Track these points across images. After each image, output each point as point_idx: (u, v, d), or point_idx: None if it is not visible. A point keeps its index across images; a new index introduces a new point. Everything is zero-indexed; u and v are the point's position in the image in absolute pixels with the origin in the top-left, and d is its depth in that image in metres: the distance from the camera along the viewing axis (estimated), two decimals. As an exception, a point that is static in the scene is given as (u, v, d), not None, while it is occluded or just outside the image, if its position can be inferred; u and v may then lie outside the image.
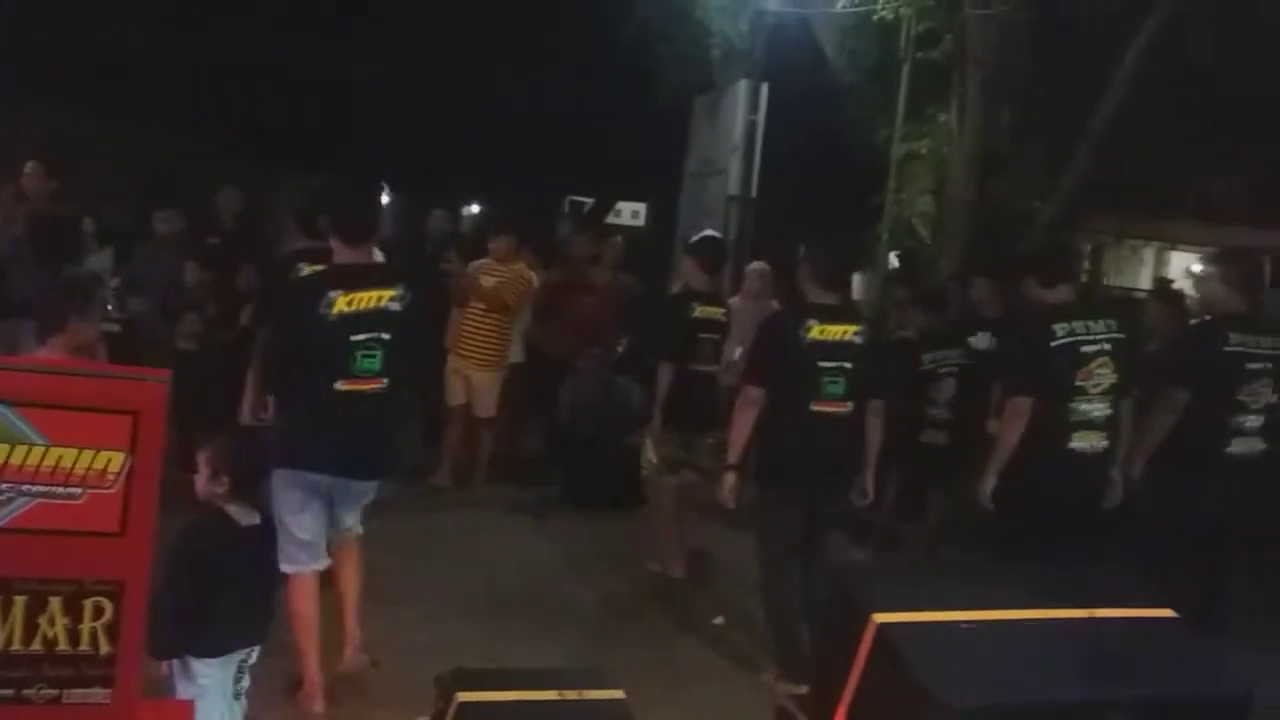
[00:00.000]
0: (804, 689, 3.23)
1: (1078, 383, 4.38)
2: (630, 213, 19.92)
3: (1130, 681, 2.59)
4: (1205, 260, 5.20)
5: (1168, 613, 2.91)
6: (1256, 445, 4.68)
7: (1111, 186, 11.98)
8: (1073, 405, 4.38)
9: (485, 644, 4.50)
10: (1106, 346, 4.44)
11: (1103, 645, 2.68)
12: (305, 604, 3.87)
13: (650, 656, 4.68)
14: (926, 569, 3.45)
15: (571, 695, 2.57)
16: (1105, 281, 16.14)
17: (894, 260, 11.41)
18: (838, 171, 12.73)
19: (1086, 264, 16.15)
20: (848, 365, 4.30)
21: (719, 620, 5.04)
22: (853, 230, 11.62)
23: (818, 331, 4.31)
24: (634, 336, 7.40)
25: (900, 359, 6.15)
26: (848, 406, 4.32)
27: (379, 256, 4.10)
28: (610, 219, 18.67)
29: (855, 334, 4.35)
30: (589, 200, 18.92)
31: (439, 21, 16.50)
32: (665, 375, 5.50)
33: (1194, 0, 9.40)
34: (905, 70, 9.94)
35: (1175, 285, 17.68)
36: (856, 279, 13.49)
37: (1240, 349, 4.67)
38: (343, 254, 3.91)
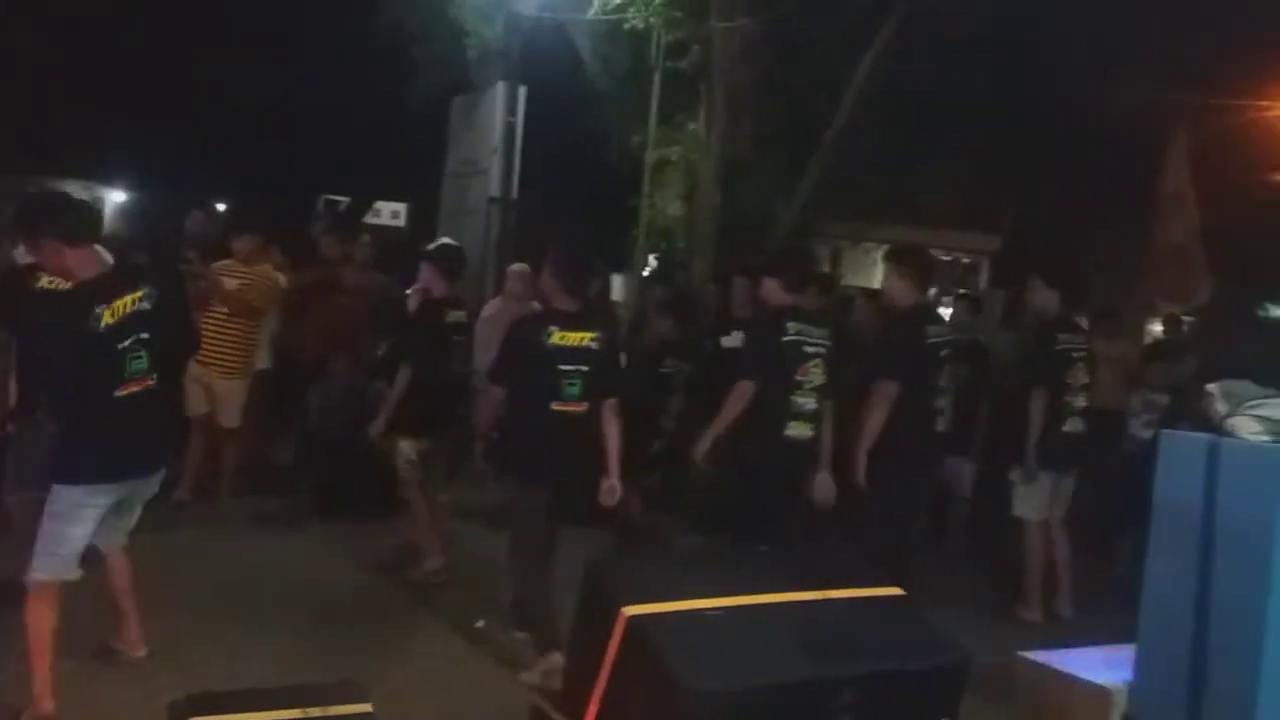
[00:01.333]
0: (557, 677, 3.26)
1: (797, 377, 4.89)
2: (390, 212, 19.42)
3: (859, 658, 2.73)
4: (884, 257, 5.73)
5: (896, 591, 3.09)
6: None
7: (847, 193, 12.71)
8: (791, 398, 4.88)
9: (228, 663, 4.28)
10: (822, 350, 4.97)
11: (834, 625, 2.82)
12: (46, 616, 3.77)
13: (411, 661, 4.60)
14: (672, 560, 3.53)
15: (315, 713, 2.47)
16: (843, 282, 17.11)
17: (652, 262, 11.67)
18: (596, 174, 12.90)
19: (826, 266, 17.06)
20: (585, 369, 4.49)
21: (481, 623, 4.99)
22: (611, 232, 11.81)
23: (559, 338, 4.48)
24: (394, 340, 7.23)
25: (648, 362, 6.49)
26: (584, 406, 4.51)
27: (107, 257, 4.06)
28: (369, 219, 18.15)
29: (593, 340, 4.53)
30: (345, 199, 18.35)
31: (193, 14, 15.64)
32: (403, 378, 5.55)
33: (915, 22, 10.09)
34: (656, 79, 10.17)
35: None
36: (617, 280, 13.70)
37: (934, 340, 5.35)
38: (66, 258, 3.85)
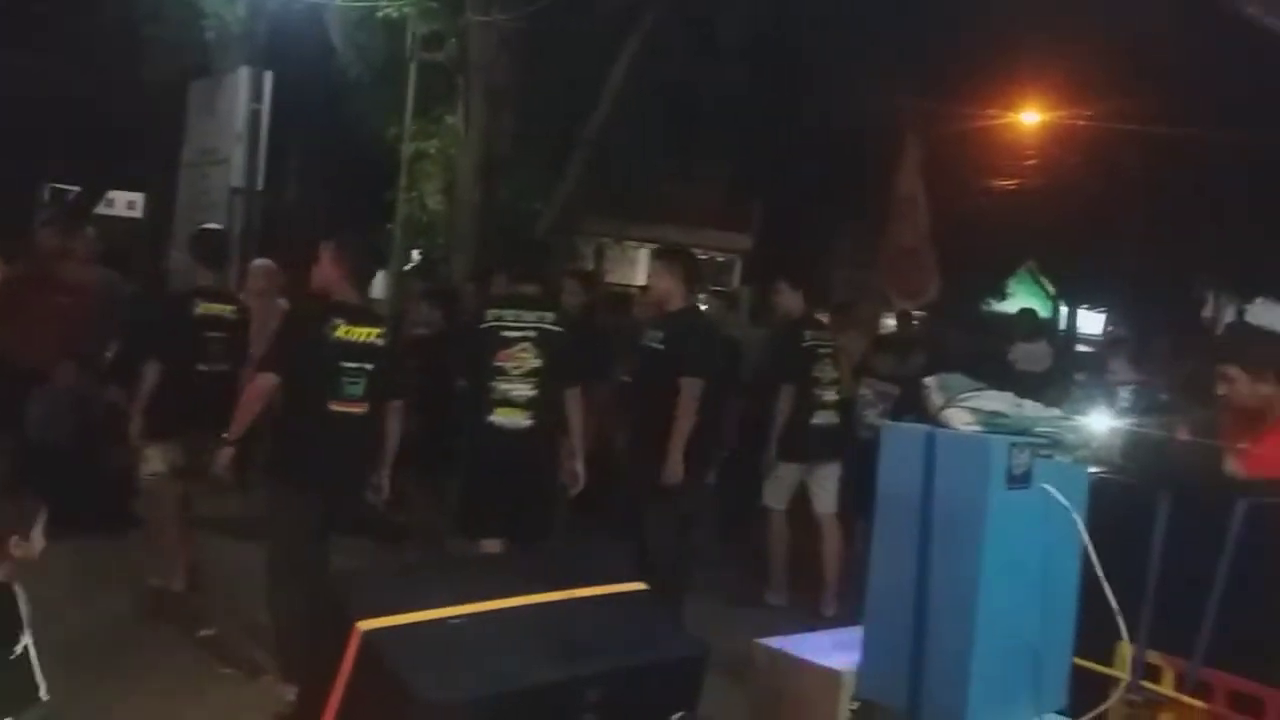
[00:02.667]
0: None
1: (497, 363, 4.84)
2: (126, 203, 18.14)
3: (602, 656, 2.74)
4: (655, 256, 5.91)
5: (638, 586, 3.12)
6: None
7: (609, 192, 12.86)
8: (493, 384, 4.84)
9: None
10: (531, 334, 4.88)
11: (577, 625, 2.82)
12: None
13: (147, 675, 4.30)
14: (413, 568, 3.44)
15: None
16: (607, 279, 17.35)
17: (415, 257, 11.41)
18: (350, 166, 12.48)
19: (590, 263, 17.24)
20: (369, 366, 4.26)
21: (209, 631, 4.74)
22: (367, 227, 11.47)
23: (343, 331, 4.23)
24: (125, 339, 6.72)
25: (417, 356, 6.28)
26: (365, 407, 4.28)
27: None
28: (102, 209, 16.89)
29: (378, 336, 4.32)
30: (74, 189, 16.98)
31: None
32: (150, 375, 5.11)
33: (672, 23, 10.30)
34: (412, 70, 9.94)
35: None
36: (379, 276, 13.31)
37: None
38: None
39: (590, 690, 2.67)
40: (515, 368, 4.83)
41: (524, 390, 4.83)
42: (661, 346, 5.21)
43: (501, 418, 4.81)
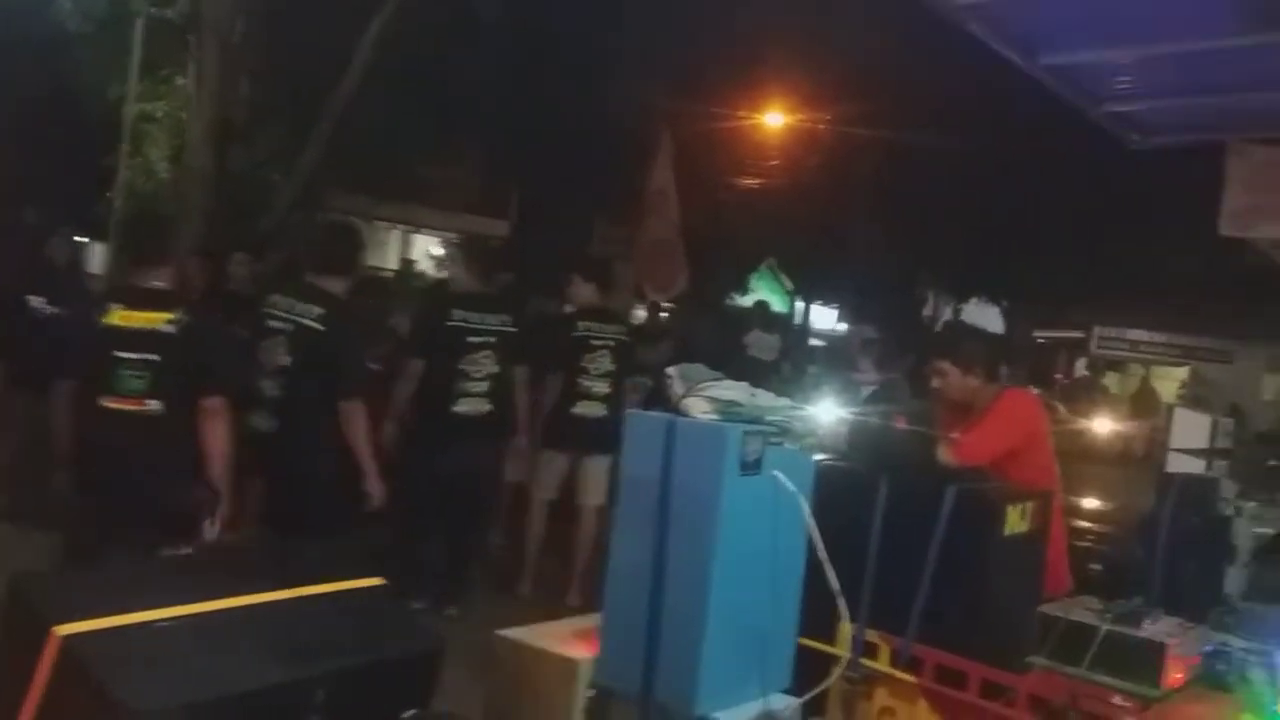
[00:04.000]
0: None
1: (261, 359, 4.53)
2: None
3: (331, 655, 2.63)
4: (447, 245, 5.85)
5: (377, 581, 3.01)
6: (481, 406, 5.48)
7: (359, 169, 12.43)
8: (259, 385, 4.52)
9: None
10: (289, 327, 4.54)
11: (305, 624, 2.69)
12: None
13: None
14: (124, 570, 3.16)
15: None
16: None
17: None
18: (66, 127, 11.51)
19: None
20: (154, 358, 3.80)
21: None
22: (85, 193, 10.60)
23: (119, 317, 3.81)
24: None
25: None
26: (151, 405, 3.81)
27: None
28: None
29: (169, 322, 3.83)
30: None
31: None
32: None
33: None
34: (138, 25, 9.25)
35: (418, 265, 19.06)
36: (97, 249, 12.32)
37: (463, 323, 5.45)
38: None
39: (316, 691, 2.56)
40: (272, 363, 4.51)
41: (274, 390, 4.51)
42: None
43: (257, 423, 4.49)
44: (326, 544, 3.86)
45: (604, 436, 6.03)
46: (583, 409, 6.01)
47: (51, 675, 2.42)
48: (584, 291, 6.22)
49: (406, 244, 21.69)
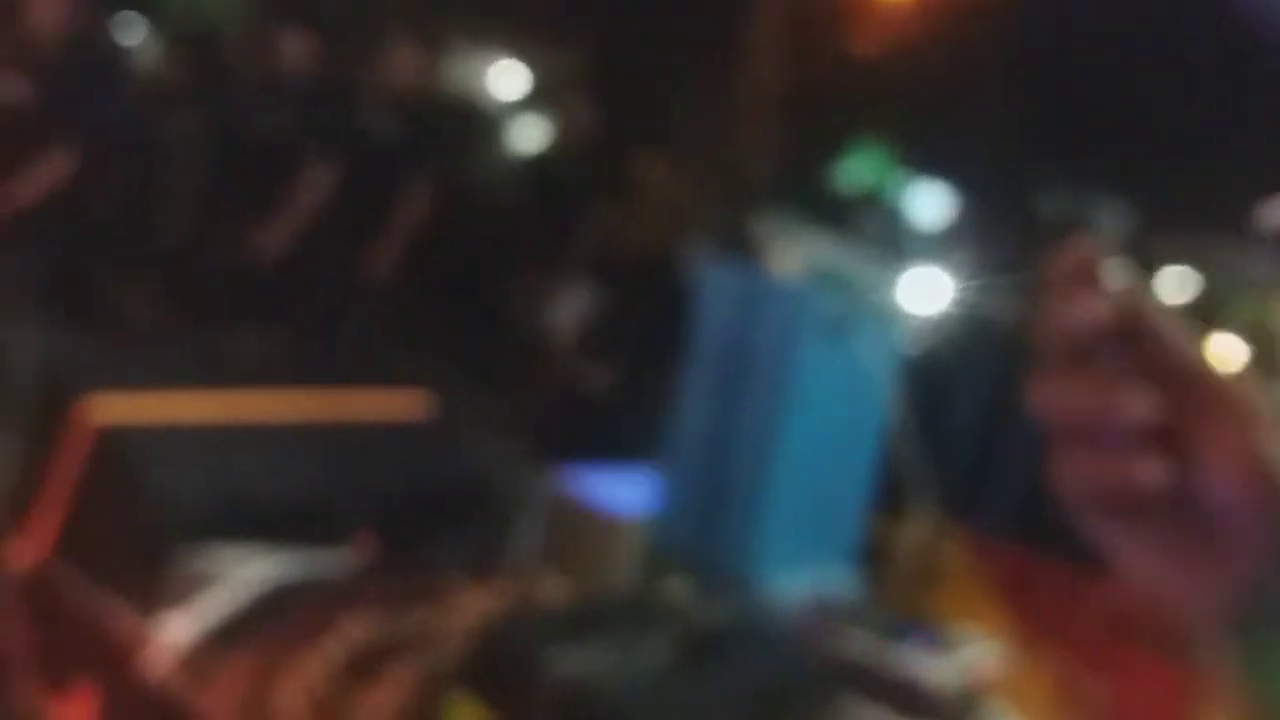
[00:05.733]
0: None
1: None
2: None
3: (379, 478, 2.67)
4: None
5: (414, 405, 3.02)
6: None
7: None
8: None
9: None
10: None
11: (357, 442, 2.72)
12: None
13: None
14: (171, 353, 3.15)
15: None
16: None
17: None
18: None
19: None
20: None
21: None
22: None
23: None
24: None
25: None
26: None
27: None
28: None
29: None
30: None
31: None
32: None
33: None
34: None
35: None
36: None
37: None
38: None
39: (359, 511, 2.59)
40: None
41: None
42: None
43: None
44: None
45: None
46: None
47: (87, 465, 2.47)
48: None
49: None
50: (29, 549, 2.59)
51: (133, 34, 6.71)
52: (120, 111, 4.83)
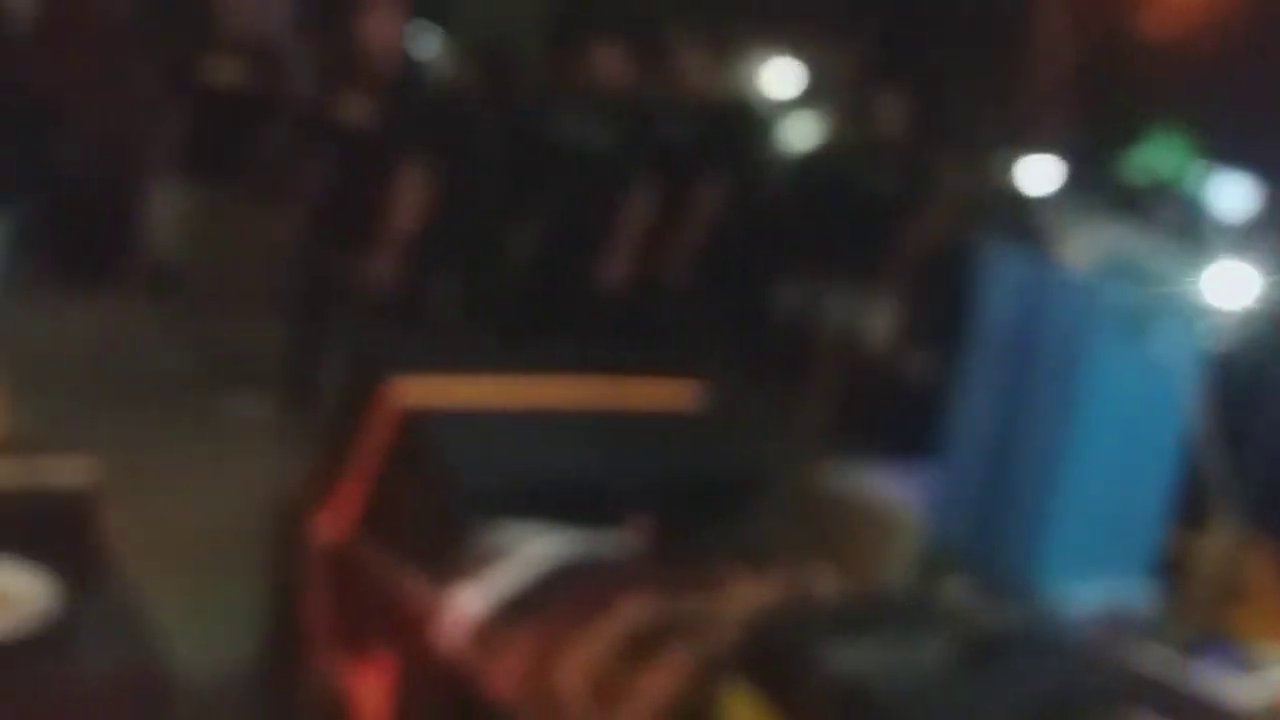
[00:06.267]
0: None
1: None
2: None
3: (653, 465, 2.76)
4: None
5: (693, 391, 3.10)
6: None
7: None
8: None
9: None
10: None
11: (631, 430, 2.82)
12: None
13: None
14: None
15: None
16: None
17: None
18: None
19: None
20: None
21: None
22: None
23: None
24: None
25: None
26: None
27: None
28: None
29: None
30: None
31: None
32: None
33: None
34: None
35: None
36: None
37: None
38: None
39: (634, 498, 2.68)
40: None
41: None
42: None
43: None
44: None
45: None
46: None
47: (391, 443, 2.68)
48: None
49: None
50: (335, 522, 2.82)
51: (429, 46, 7.12)
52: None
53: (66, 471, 2.44)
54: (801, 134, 7.29)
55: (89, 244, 6.12)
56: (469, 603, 2.44)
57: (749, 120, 6.75)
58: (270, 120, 5.24)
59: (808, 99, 7.48)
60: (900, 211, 5.80)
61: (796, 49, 7.63)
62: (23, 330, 5.02)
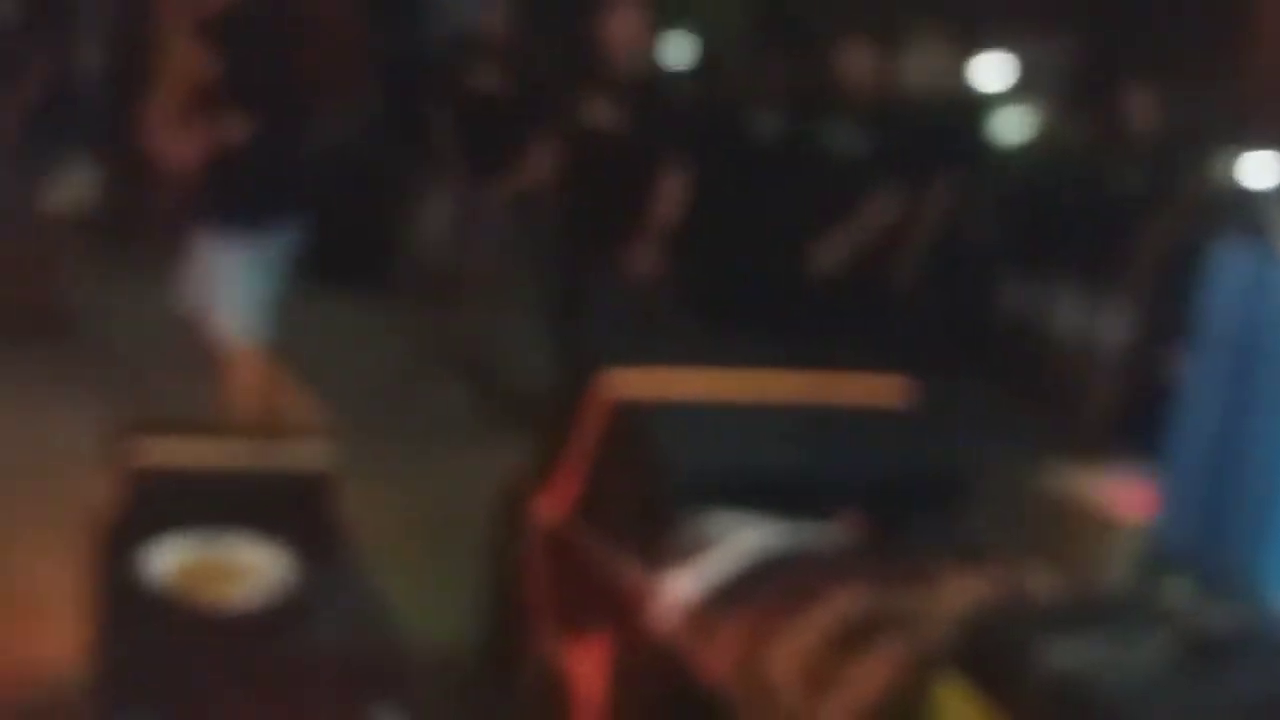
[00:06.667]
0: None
1: None
2: None
3: (863, 462, 2.78)
4: None
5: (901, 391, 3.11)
6: None
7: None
8: None
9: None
10: None
11: (841, 426, 2.85)
12: None
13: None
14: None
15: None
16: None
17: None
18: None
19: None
20: None
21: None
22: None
23: None
24: None
25: None
26: None
27: None
28: None
29: None
30: None
31: None
32: None
33: None
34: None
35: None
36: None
37: None
38: None
39: (843, 495, 2.71)
40: None
41: None
42: None
43: None
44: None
45: None
46: None
47: (606, 433, 2.80)
48: None
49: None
50: (554, 507, 2.96)
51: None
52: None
53: (307, 455, 2.65)
54: (1013, 129, 7.11)
55: (359, 252, 6.51)
56: (682, 588, 2.51)
57: (974, 116, 6.66)
58: (525, 123, 5.44)
59: (1018, 93, 7.30)
60: (1140, 210, 5.61)
61: (1007, 42, 7.44)
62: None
